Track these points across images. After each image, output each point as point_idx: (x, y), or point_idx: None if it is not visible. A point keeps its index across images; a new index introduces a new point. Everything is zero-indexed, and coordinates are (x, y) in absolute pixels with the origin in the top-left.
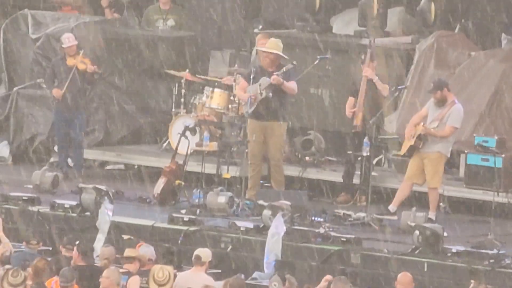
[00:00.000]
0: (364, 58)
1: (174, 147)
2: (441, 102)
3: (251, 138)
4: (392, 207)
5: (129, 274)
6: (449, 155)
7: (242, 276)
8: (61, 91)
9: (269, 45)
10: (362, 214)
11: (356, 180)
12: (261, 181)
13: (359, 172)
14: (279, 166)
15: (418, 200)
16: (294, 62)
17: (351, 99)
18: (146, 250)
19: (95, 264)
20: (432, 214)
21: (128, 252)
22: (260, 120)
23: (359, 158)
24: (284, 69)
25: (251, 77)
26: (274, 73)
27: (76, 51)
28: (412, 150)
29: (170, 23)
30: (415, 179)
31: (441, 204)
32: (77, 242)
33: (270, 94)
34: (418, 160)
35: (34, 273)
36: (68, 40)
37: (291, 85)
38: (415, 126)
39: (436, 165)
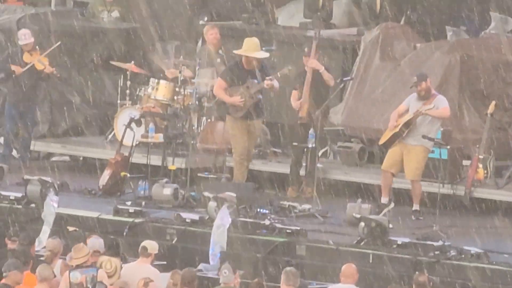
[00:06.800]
0: (307, 50)
1: (119, 139)
2: (427, 93)
3: (239, 136)
4: (383, 199)
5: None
6: (431, 149)
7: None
8: (21, 69)
9: (250, 47)
10: (307, 206)
11: (302, 172)
12: (206, 173)
13: (305, 164)
14: (250, 161)
15: (364, 192)
16: (290, 67)
17: (294, 92)
18: (94, 242)
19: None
20: (416, 206)
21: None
22: (248, 120)
23: (305, 150)
24: (279, 74)
25: (230, 77)
26: (267, 78)
27: (33, 47)
28: (394, 139)
29: (114, 14)
30: (392, 169)
31: None
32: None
33: (260, 97)
34: (397, 151)
35: None
36: (25, 37)
37: (277, 85)
38: (399, 117)
39: (419, 159)
